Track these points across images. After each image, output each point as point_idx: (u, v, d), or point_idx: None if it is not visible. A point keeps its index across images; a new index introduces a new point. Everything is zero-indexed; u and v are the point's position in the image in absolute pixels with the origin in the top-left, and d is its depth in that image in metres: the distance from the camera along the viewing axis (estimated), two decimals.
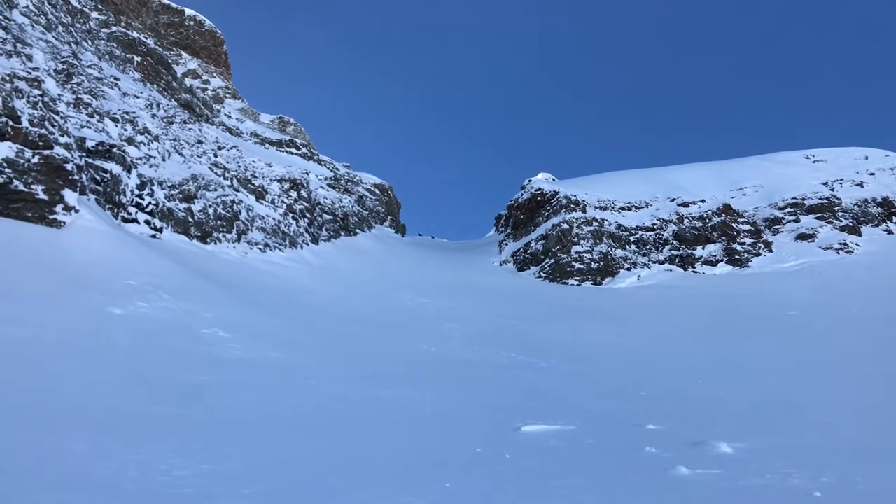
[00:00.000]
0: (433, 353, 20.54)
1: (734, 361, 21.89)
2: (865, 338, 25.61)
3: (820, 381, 18.03)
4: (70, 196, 20.46)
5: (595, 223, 55.56)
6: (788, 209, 58.38)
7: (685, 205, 59.53)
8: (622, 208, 60.62)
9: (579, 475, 7.88)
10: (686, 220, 56.42)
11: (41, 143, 20.31)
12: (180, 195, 31.41)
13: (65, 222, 19.96)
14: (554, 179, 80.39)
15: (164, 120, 37.13)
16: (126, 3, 69.22)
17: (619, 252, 53.42)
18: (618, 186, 65.99)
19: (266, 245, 36.37)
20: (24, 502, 5.45)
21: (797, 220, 56.89)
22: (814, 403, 14.35)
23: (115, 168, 26.43)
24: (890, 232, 55.73)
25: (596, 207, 59.39)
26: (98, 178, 25.36)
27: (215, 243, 32.17)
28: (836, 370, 19.99)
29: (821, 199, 58.64)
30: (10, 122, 19.69)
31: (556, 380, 17.60)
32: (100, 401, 8.85)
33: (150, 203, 28.40)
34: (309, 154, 70.79)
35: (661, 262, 53.18)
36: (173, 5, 78.99)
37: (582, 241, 53.09)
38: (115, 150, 26.76)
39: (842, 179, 63.93)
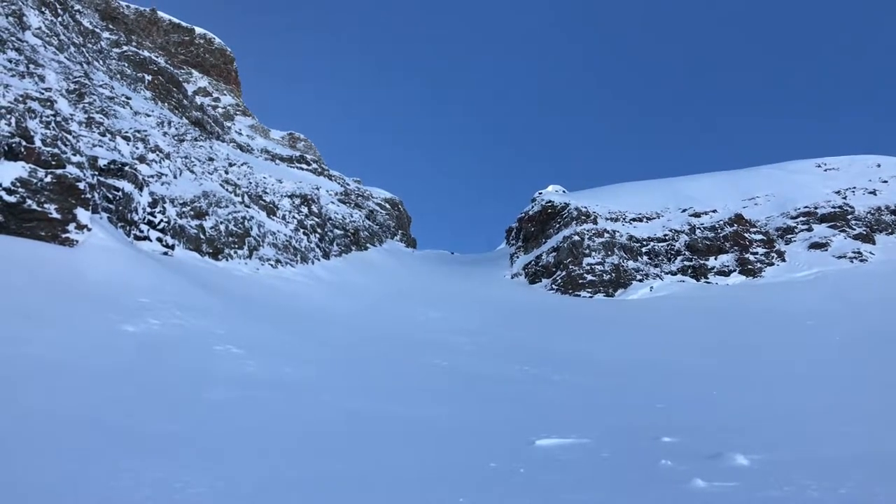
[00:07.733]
0: (445, 367, 20.47)
1: (750, 372, 21.71)
2: (884, 347, 25.32)
3: (839, 391, 17.83)
4: (83, 215, 20.58)
5: (606, 235, 55.42)
6: (801, 218, 58.03)
7: (696, 215, 59.31)
8: (633, 219, 60.46)
9: (595, 489, 7.80)
10: (698, 231, 56.18)
11: (54, 163, 20.48)
12: (192, 212, 31.59)
13: (77, 241, 20.07)
14: (564, 191, 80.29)
15: (176, 138, 37.41)
16: (137, 23, 70.07)
17: (630, 263, 53.23)
18: (628, 198, 65.86)
19: (277, 261, 36.48)
20: None
21: (810, 230, 56.53)
22: (832, 414, 14.18)
23: (127, 186, 26.62)
24: None
25: (607, 219, 59.26)
26: (110, 196, 25.55)
27: (227, 259, 32.31)
28: (854, 380, 19.78)
29: (833, 207, 58.27)
30: (24, 142, 19.88)
31: (569, 393, 17.49)
32: (113, 418, 8.85)
33: (161, 220, 28.56)
34: (319, 170, 71.09)
35: (674, 273, 52.94)
36: (183, 24, 79.89)
37: (593, 253, 52.94)
38: (126, 168, 26.97)
39: (854, 187, 63.56)
